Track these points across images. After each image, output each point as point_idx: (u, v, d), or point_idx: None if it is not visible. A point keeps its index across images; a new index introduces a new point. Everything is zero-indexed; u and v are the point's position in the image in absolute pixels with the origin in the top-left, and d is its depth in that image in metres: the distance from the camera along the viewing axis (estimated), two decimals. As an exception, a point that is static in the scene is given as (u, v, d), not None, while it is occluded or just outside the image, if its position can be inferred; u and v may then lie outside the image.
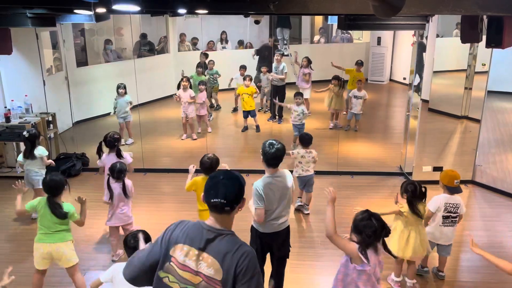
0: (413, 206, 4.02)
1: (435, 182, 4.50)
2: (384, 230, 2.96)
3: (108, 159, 5.10)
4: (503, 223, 5.60)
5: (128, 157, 5.23)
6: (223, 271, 2.05)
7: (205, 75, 9.65)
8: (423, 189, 4.08)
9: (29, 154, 5.40)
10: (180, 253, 2.11)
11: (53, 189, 3.91)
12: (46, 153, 5.54)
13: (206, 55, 10.08)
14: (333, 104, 8.91)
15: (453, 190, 4.24)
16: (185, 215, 5.13)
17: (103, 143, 5.16)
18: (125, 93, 7.91)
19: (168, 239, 2.15)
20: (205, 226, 2.14)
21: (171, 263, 2.11)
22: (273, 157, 3.52)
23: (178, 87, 8.64)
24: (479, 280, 4.49)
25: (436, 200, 4.27)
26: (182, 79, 8.46)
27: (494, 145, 7.78)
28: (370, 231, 2.92)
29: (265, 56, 10.18)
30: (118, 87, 7.90)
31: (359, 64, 9.51)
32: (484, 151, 7.08)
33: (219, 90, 10.17)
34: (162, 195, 6.26)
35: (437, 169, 6.15)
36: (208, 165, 4.47)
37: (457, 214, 4.26)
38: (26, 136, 5.42)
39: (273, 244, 3.79)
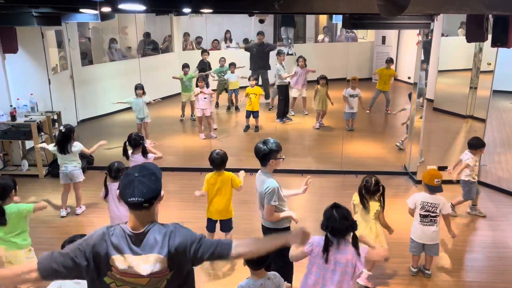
0: (362, 198, 4.07)
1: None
2: (347, 222, 2.89)
3: (137, 158, 5.07)
4: (508, 223, 5.58)
5: (152, 158, 5.17)
6: (167, 257, 2.08)
7: (220, 75, 9.86)
8: (380, 187, 4.05)
9: (64, 149, 5.51)
10: (118, 263, 2.08)
11: None
12: (82, 147, 5.65)
13: (207, 52, 10.03)
14: (320, 104, 8.87)
15: (433, 189, 4.24)
16: (190, 213, 5.15)
17: (127, 144, 5.12)
18: (143, 93, 7.75)
19: (91, 251, 2.09)
20: (128, 232, 2.11)
21: (112, 272, 2.11)
22: (256, 153, 3.65)
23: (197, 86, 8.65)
24: (484, 280, 4.47)
25: (413, 196, 4.32)
26: (197, 80, 8.44)
27: (499, 144, 7.75)
28: (330, 221, 2.89)
29: (254, 53, 10.10)
30: (136, 88, 7.74)
31: (389, 61, 9.53)
32: (489, 151, 7.03)
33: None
34: (167, 194, 6.25)
35: (441, 168, 6.11)
36: (219, 161, 4.45)
37: (436, 214, 4.24)
38: (63, 131, 5.52)
39: None
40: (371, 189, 4.04)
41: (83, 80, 9.15)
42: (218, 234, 4.74)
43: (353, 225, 2.92)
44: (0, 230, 3.77)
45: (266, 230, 3.78)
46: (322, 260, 2.95)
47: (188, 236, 2.16)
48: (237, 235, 5.08)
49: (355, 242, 2.95)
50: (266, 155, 3.59)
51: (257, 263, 3.01)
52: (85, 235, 2.56)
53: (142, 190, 2.05)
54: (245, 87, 9.04)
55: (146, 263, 2.08)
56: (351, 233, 2.97)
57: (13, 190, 3.81)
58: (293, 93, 9.62)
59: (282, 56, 9.23)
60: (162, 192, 2.15)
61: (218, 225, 4.74)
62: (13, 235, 3.79)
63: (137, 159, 5.06)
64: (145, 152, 5.11)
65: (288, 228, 3.80)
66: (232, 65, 9.80)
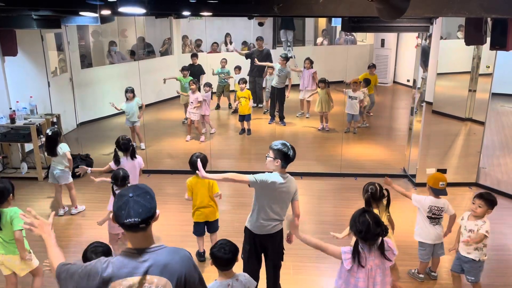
0: (369, 207, 3.97)
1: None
2: (380, 228, 2.90)
3: (126, 162, 5.06)
4: (507, 225, 5.58)
5: (141, 159, 5.20)
6: (172, 282, 2.04)
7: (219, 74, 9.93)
8: (385, 192, 4.04)
9: (52, 152, 5.54)
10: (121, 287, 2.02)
11: None
12: (68, 149, 5.63)
13: (196, 56, 9.97)
14: (320, 106, 8.94)
15: (437, 192, 4.21)
16: (189, 215, 5.11)
17: (117, 149, 5.10)
18: (134, 96, 7.67)
19: (101, 276, 2.03)
20: (133, 251, 2.06)
21: None
22: (292, 159, 3.66)
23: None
24: (484, 283, 4.46)
25: (421, 199, 4.26)
26: (188, 83, 8.48)
27: (498, 147, 7.76)
28: (364, 226, 2.89)
29: (253, 59, 10.02)
30: (126, 91, 7.63)
31: (371, 67, 9.56)
32: (488, 153, 7.05)
33: (230, 91, 10.22)
34: (166, 196, 6.28)
35: (441, 171, 6.13)
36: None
37: (441, 216, 4.27)
38: (49, 134, 5.53)
39: (268, 246, 3.82)
40: (377, 196, 4.01)
41: (82, 82, 9.15)
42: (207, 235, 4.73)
43: (385, 230, 2.94)
44: (0, 233, 3.76)
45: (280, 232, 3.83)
46: (364, 272, 2.93)
47: (196, 269, 2.16)
48: (232, 236, 5.08)
49: (382, 247, 2.96)
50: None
51: (225, 263, 2.95)
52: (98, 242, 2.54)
53: (138, 210, 1.99)
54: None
55: (149, 284, 2.03)
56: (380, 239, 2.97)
57: (11, 194, 3.78)
58: (300, 95, 9.79)
59: (280, 60, 9.21)
60: (158, 211, 2.10)
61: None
62: (11, 239, 3.75)
63: (127, 162, 5.05)
64: (134, 154, 5.14)
65: None
66: (237, 68, 9.86)
